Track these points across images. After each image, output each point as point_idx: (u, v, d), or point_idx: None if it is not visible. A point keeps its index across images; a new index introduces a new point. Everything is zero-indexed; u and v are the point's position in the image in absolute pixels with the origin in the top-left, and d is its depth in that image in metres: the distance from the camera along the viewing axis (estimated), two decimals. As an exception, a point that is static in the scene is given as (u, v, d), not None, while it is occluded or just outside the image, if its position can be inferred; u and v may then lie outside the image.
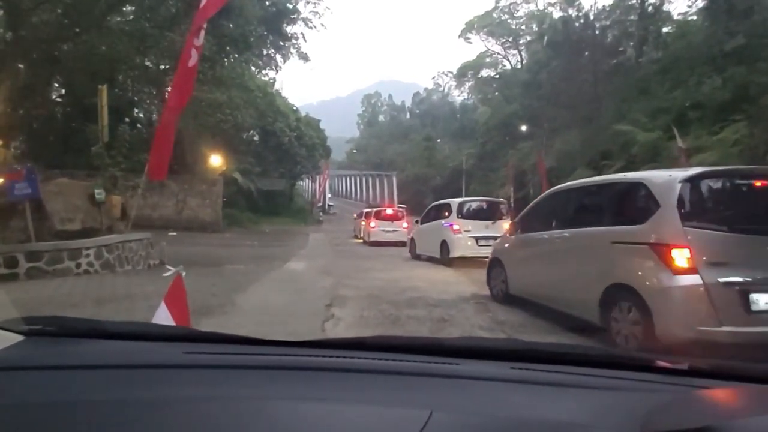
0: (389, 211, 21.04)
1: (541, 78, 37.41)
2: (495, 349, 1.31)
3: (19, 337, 1.15)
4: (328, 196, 58.19)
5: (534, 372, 1.11)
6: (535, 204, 7.11)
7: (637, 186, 4.97)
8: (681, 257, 4.21)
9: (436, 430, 0.83)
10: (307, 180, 55.58)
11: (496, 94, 53.27)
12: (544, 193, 7.26)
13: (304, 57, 45.03)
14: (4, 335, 1.13)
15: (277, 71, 44.84)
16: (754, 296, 4.08)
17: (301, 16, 41.90)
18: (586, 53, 31.72)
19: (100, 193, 8.27)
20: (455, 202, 12.92)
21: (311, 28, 42.94)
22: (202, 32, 9.38)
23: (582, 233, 5.48)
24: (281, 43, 39.63)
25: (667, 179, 4.64)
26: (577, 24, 33.58)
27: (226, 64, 19.15)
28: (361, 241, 21.37)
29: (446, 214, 12.47)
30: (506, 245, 7.38)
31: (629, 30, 31.92)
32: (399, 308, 6.23)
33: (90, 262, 7.88)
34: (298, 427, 0.87)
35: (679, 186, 4.42)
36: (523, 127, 37.21)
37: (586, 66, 31.03)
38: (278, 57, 43.61)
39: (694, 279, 4.14)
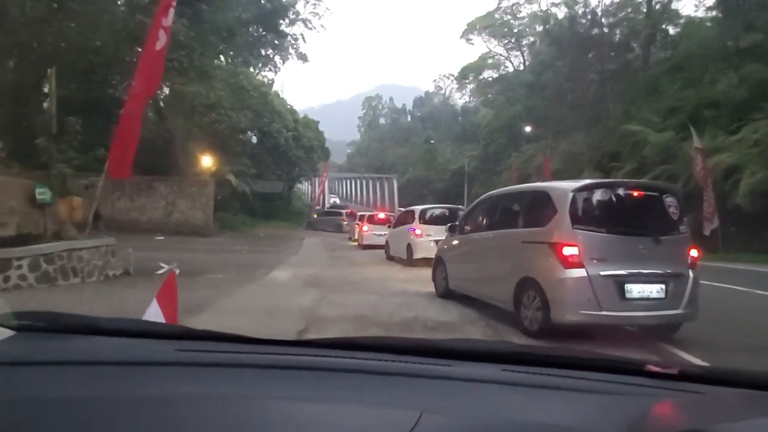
0: (381, 215, 21.54)
1: (546, 78, 36.58)
2: (487, 351, 1.31)
3: (9, 332, 1.13)
4: (335, 199, 56.83)
5: (525, 374, 1.11)
6: (470, 209, 8.05)
7: (542, 194, 5.76)
8: (571, 254, 5.03)
9: (426, 431, 0.82)
10: (306, 183, 54.58)
11: (498, 96, 52.42)
12: (477, 199, 7.94)
13: (303, 57, 44.41)
14: None
15: (275, 72, 44.21)
16: (628, 286, 4.97)
17: (301, 16, 41.24)
18: (593, 52, 30.72)
19: (43, 193, 7.12)
20: (418, 209, 14.20)
21: (311, 29, 42.31)
22: (171, 11, 8.32)
23: (501, 234, 6.34)
24: (277, 42, 38.80)
25: (563, 189, 5.49)
26: (584, 20, 32.52)
27: (206, 53, 17.82)
28: (356, 243, 21.08)
29: (411, 219, 13.64)
30: (447, 245, 8.16)
31: (637, 28, 30.92)
32: (391, 333, 5.17)
33: (22, 274, 6.65)
34: (288, 426, 0.87)
35: (571, 195, 5.24)
36: (527, 129, 36.22)
37: (592, 65, 30.04)
38: (277, 58, 42.97)
39: (580, 272, 4.98)
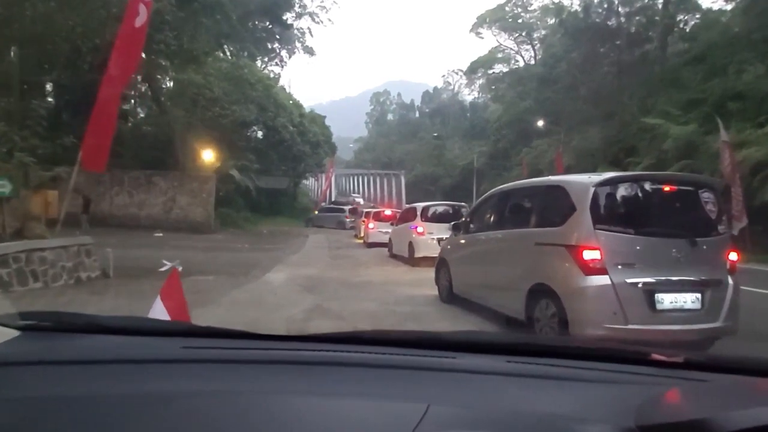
0: (388, 212, 20.92)
1: (558, 71, 35.52)
2: (492, 343, 1.32)
3: (15, 333, 1.13)
4: (359, 198, 55.34)
5: (530, 365, 1.11)
6: (477, 205, 7.49)
7: (558, 189, 5.13)
8: (592, 258, 4.41)
9: (433, 424, 0.82)
10: (312, 179, 53.71)
11: (509, 90, 51.38)
12: (484, 195, 7.35)
13: (310, 51, 43.71)
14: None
15: (282, 66, 43.53)
16: (659, 296, 4.36)
17: (308, 10, 40.45)
18: (608, 43, 29.60)
19: (1, 186, 6.41)
20: (419, 206, 13.71)
21: (318, 23, 41.54)
22: (152, -16, 7.49)
23: (511, 234, 5.77)
24: (283, 36, 38.03)
25: (583, 183, 4.86)
26: (599, 10, 31.35)
27: (198, 36, 16.77)
28: (362, 241, 20.36)
29: (412, 217, 13.26)
30: (451, 246, 7.62)
31: (654, 18, 29.78)
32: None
33: (-34, 279, 5.95)
34: (296, 421, 0.87)
35: (592, 190, 4.60)
36: (539, 123, 35.18)
37: (607, 56, 28.93)
38: (283, 52, 42.28)
39: (603, 279, 4.36)
